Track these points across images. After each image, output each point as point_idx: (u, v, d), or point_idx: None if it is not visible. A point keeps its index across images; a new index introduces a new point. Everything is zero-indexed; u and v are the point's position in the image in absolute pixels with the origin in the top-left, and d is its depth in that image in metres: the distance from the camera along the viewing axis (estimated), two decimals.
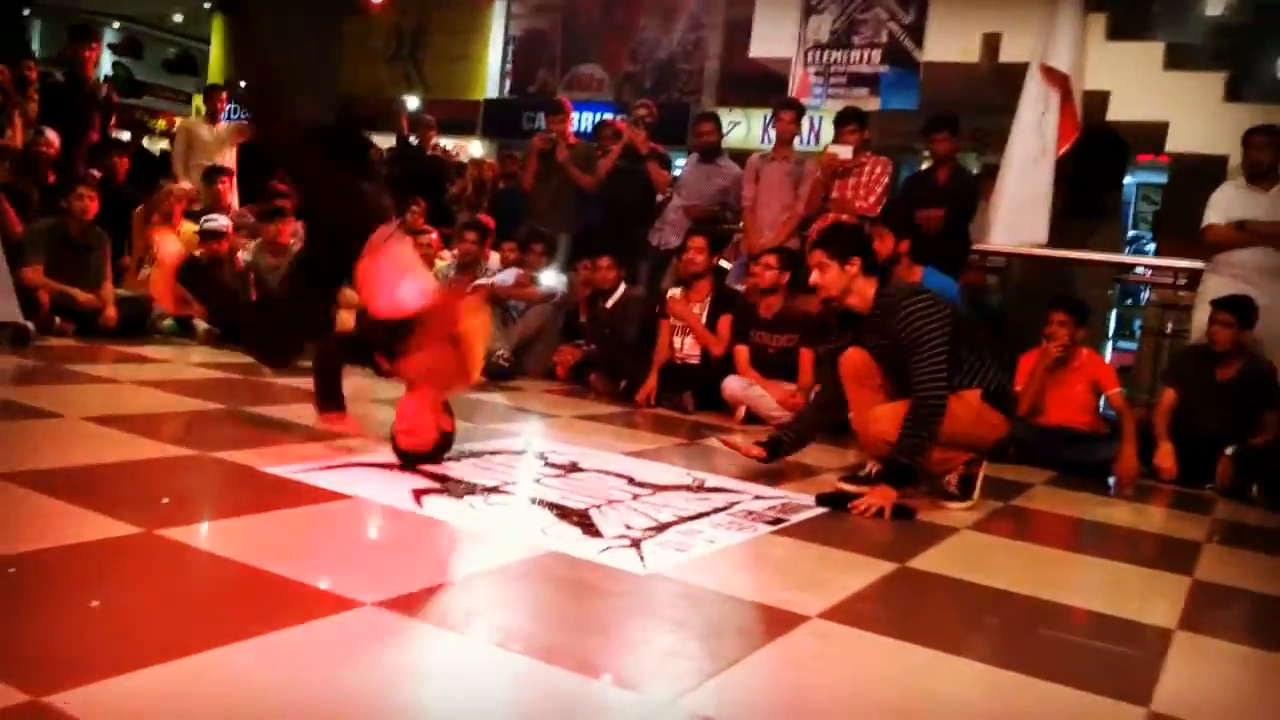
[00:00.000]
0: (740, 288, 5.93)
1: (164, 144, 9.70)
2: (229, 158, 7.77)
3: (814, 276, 3.63)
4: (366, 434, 3.53)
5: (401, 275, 3.43)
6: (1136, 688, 2.04)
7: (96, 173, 6.79)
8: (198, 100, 16.91)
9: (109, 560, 2.15)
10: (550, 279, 6.30)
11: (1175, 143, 6.68)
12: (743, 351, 5.28)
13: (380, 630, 1.93)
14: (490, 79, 15.80)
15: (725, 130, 7.57)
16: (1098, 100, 6.60)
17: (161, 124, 17.54)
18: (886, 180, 5.88)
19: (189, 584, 2.14)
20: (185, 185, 6.91)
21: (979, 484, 3.63)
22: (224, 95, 8.23)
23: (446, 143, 9.93)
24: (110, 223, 6.21)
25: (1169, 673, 2.17)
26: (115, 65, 18.62)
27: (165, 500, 2.65)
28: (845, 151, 5.82)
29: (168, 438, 3.37)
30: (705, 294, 5.60)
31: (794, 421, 4.02)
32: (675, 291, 5.70)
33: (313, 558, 2.34)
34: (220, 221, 6.31)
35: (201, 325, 6.04)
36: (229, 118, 8.34)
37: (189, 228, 6.49)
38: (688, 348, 5.60)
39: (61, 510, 2.41)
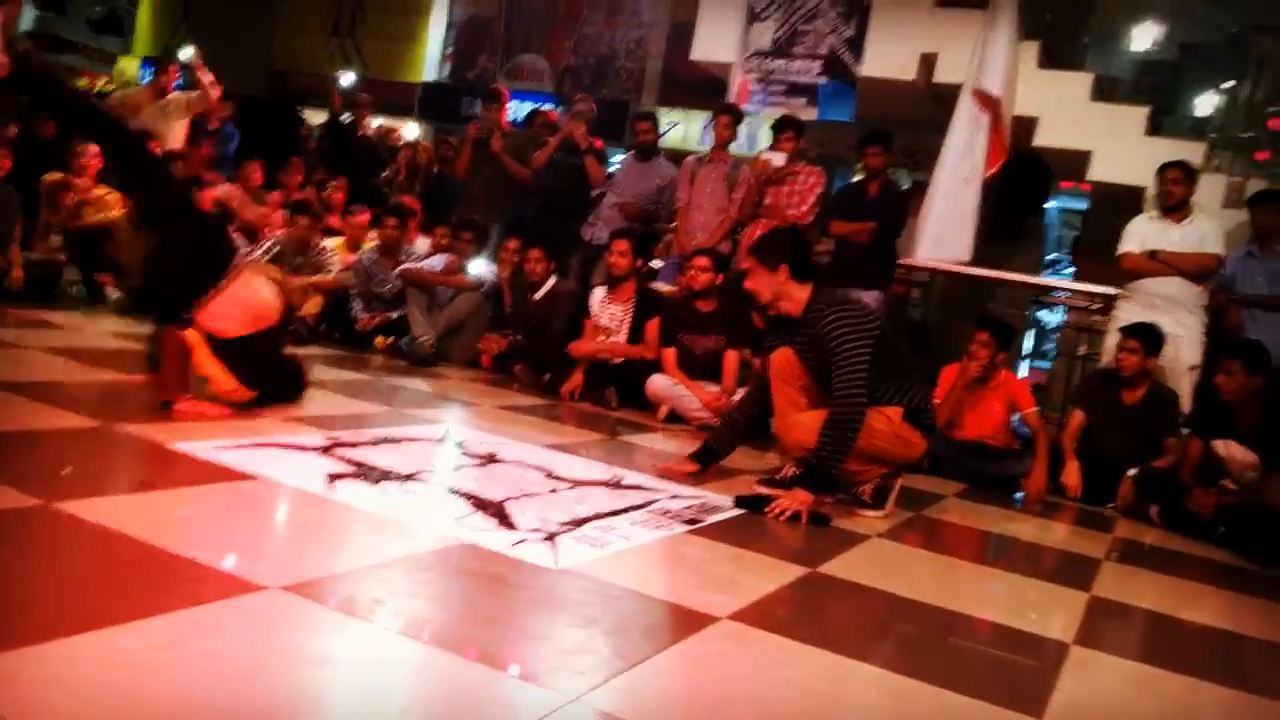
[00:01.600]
0: (671, 288, 5.94)
1: None
2: (178, 132, 7.47)
3: (747, 282, 3.66)
4: (224, 411, 3.46)
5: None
6: (1031, 699, 2.09)
7: (10, 130, 6.52)
8: (123, 62, 16.40)
9: (2, 532, 2.07)
10: (479, 267, 6.24)
11: (1097, 171, 6.90)
12: (670, 353, 5.29)
13: (283, 615, 1.88)
14: (429, 62, 15.59)
15: (663, 130, 7.60)
16: (1026, 125, 6.78)
17: (84, 83, 16.95)
18: (819, 190, 5.95)
19: (84, 560, 2.07)
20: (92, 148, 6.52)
21: (893, 496, 3.69)
22: (173, 68, 7.80)
23: (382, 124, 9.74)
24: (31, 178, 5.99)
25: (1063, 685, 2.23)
26: (37, 20, 17.94)
27: (67, 471, 2.55)
28: (778, 159, 5.87)
29: (74, 408, 3.25)
30: (629, 296, 5.60)
31: (722, 427, 4.03)
32: (599, 291, 5.69)
33: (217, 538, 2.28)
34: None
35: (113, 293, 5.86)
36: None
37: (106, 189, 6.28)
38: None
39: None
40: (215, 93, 7.45)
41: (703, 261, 5.34)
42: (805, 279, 3.60)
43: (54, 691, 1.47)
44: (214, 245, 3.72)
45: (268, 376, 3.62)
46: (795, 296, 3.59)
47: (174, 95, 7.70)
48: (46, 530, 2.14)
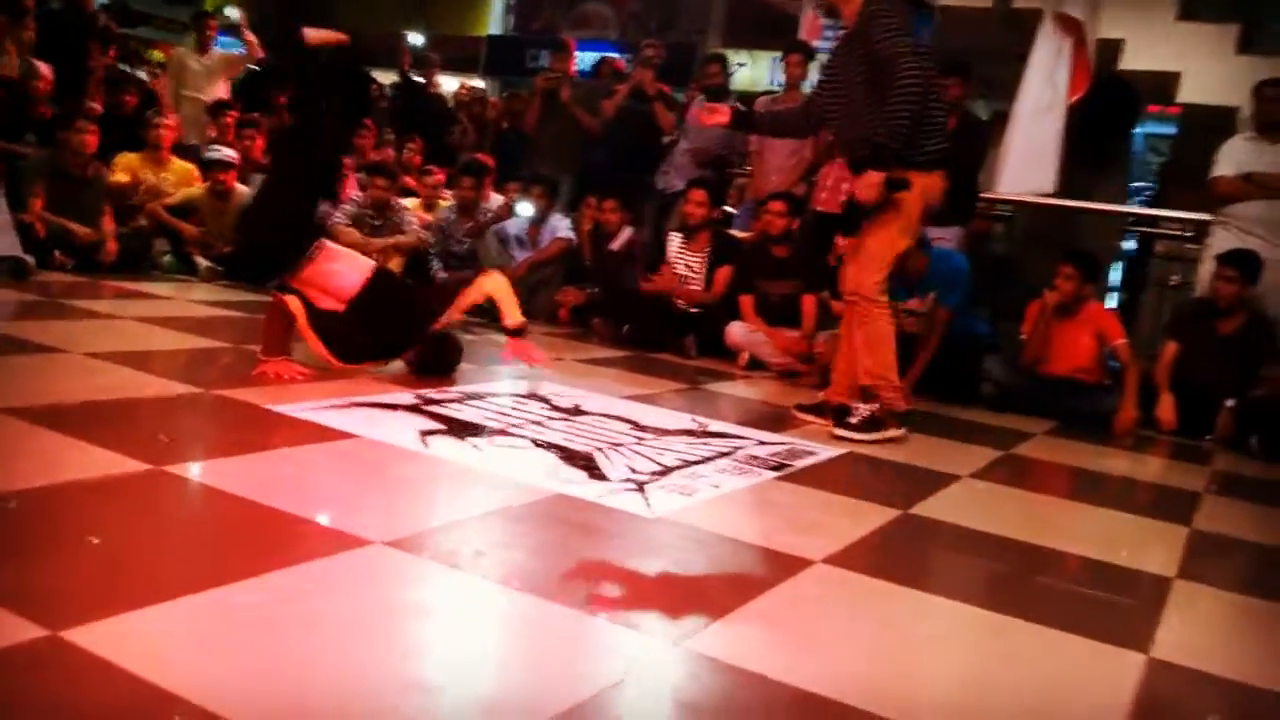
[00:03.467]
0: (747, 234, 5.89)
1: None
2: (222, 89, 7.63)
3: None
4: (308, 371, 3.54)
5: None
6: (1137, 635, 2.06)
7: (96, 105, 6.69)
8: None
9: (116, 496, 2.17)
10: (562, 226, 6.24)
11: (1186, 93, 6.61)
12: (747, 300, 5.26)
13: (389, 568, 1.95)
14: (494, 15, 15.53)
15: (732, 72, 7.47)
16: (1110, 49, 6.51)
17: (158, 55, 17.28)
18: None
19: (197, 521, 2.16)
20: (170, 120, 6.69)
21: (886, 434, 3.65)
22: (213, 23, 7.93)
23: (450, 85, 9.76)
24: (112, 150, 6.15)
25: (1168, 620, 2.19)
26: None
27: (168, 439, 2.65)
28: None
29: (171, 374, 3.37)
30: (705, 244, 5.56)
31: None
32: (675, 239, 5.66)
33: (320, 496, 2.36)
34: (225, 152, 6.25)
35: (203, 263, 6.02)
36: (220, 47, 8.17)
37: (181, 165, 6.43)
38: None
39: (66, 445, 2.42)
40: (258, 52, 7.61)
41: (778, 206, 5.27)
42: None
43: (179, 647, 1.54)
44: (306, 210, 3.81)
45: (365, 349, 3.67)
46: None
47: (217, 53, 7.83)
48: (158, 493, 2.23)
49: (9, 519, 1.95)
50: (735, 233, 6.08)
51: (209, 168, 6.21)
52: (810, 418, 3.90)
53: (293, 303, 3.53)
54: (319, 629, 1.67)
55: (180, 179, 6.37)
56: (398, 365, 3.79)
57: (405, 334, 3.72)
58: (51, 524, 1.96)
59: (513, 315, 3.84)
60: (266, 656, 1.54)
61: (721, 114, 4.06)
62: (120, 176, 6.17)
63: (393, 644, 1.65)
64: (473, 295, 3.84)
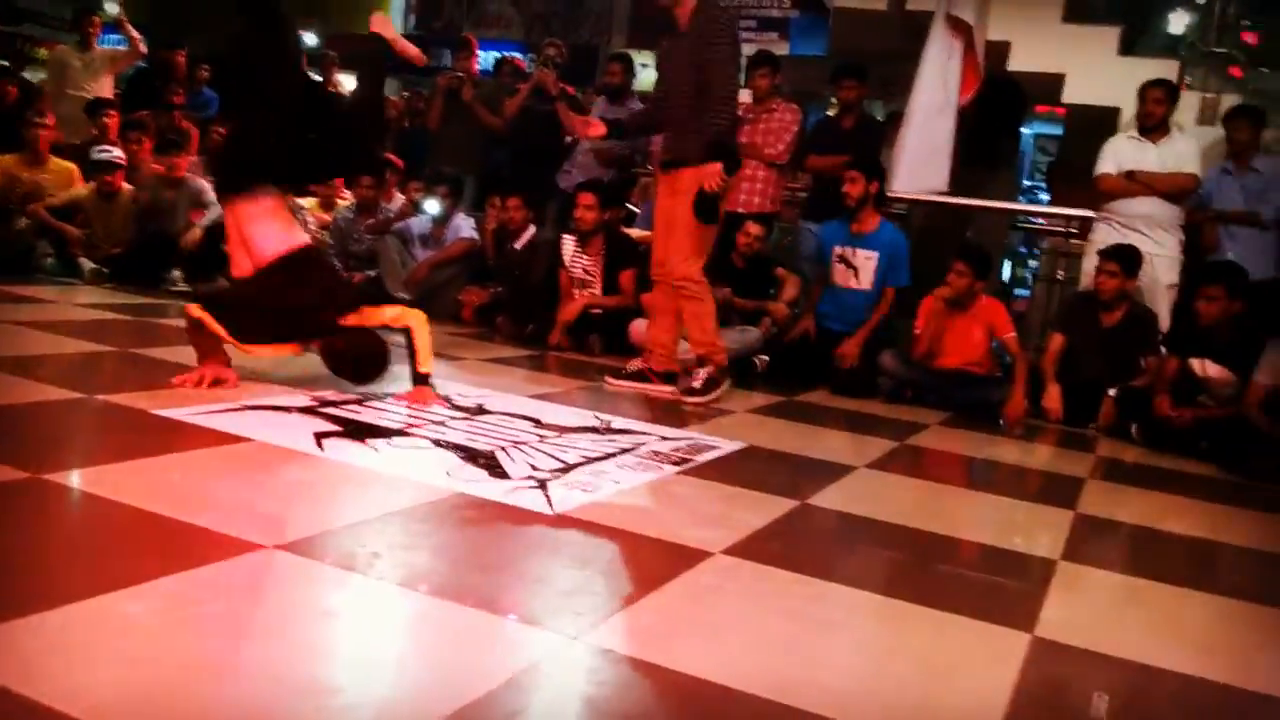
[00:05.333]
0: (645, 234, 5.90)
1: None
2: (105, 87, 7.36)
3: None
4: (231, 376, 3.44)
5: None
6: (1022, 614, 2.14)
7: None
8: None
9: None
10: (465, 225, 6.18)
11: (1071, 93, 6.87)
12: (650, 298, 5.27)
13: (282, 573, 1.91)
14: (394, 13, 15.29)
15: (635, 72, 7.48)
16: (999, 50, 6.72)
17: (43, 53, 16.56)
18: (796, 128, 5.90)
19: (79, 529, 2.08)
20: (50, 119, 6.40)
21: (720, 389, 4.24)
22: (96, 20, 7.62)
23: (349, 84, 9.58)
24: None
25: (1052, 600, 2.28)
26: None
27: (52, 444, 2.55)
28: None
29: (55, 380, 3.23)
30: (600, 247, 5.57)
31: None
32: (569, 244, 5.63)
33: (211, 502, 2.29)
34: (114, 153, 6.04)
35: (88, 265, 5.80)
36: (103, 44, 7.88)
37: (60, 164, 6.19)
38: (591, 296, 5.57)
39: None
40: (142, 49, 7.46)
41: None
42: None
43: (59, 659, 1.48)
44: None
45: (263, 326, 3.42)
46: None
47: (101, 49, 7.57)
48: (39, 501, 2.14)
49: None
50: (634, 231, 6.10)
51: (96, 169, 5.99)
52: (628, 385, 4.37)
53: (194, 309, 3.38)
54: (210, 635, 1.62)
55: (59, 179, 6.13)
56: (300, 367, 3.69)
57: (307, 320, 3.47)
58: None
59: (425, 361, 3.59)
60: (154, 665, 1.50)
61: (596, 126, 4.62)
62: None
63: (288, 648, 1.62)
64: (389, 316, 3.61)
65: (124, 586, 1.71)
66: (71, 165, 6.21)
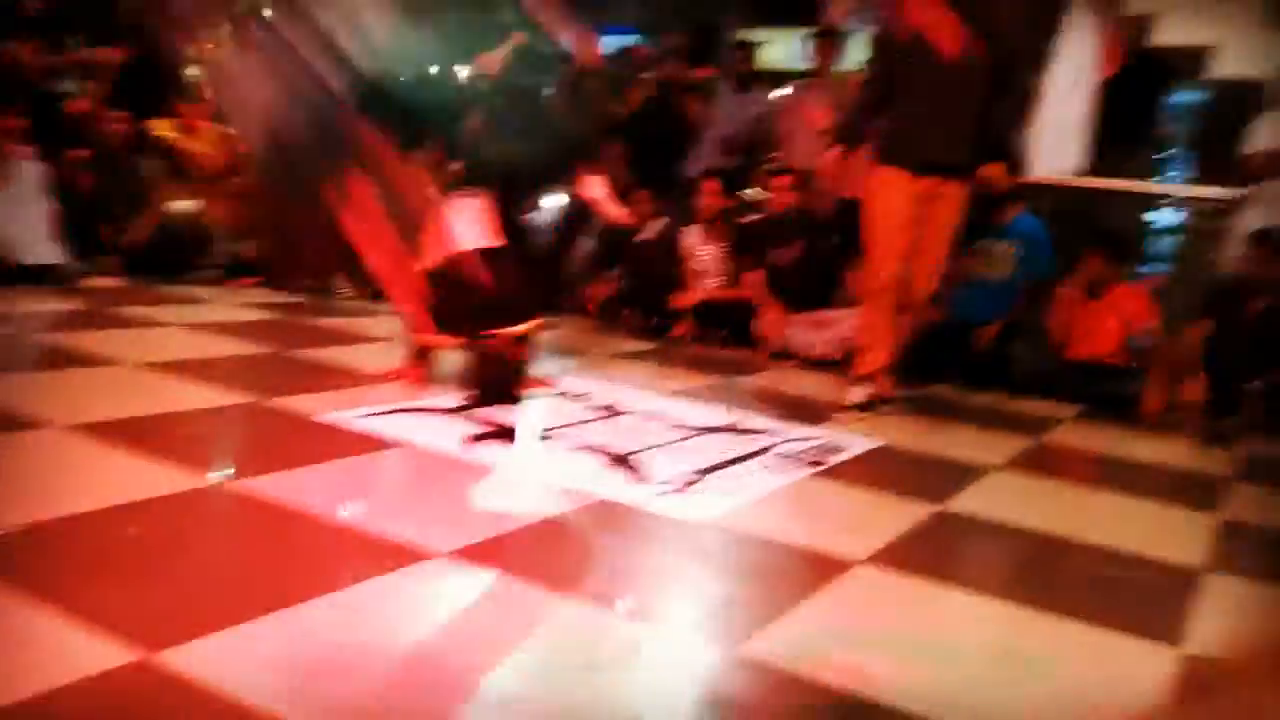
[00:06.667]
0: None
1: None
2: None
3: None
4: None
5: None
6: (1169, 628, 2.13)
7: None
8: None
9: (182, 515, 2.26)
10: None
11: (1219, 67, 6.56)
12: (757, 278, 5.35)
13: (450, 580, 2.05)
14: None
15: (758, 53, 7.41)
16: (1141, 24, 6.45)
17: None
18: None
19: (267, 538, 2.24)
20: None
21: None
22: None
23: None
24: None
25: (1199, 613, 2.26)
26: None
27: (227, 451, 2.76)
28: None
29: (223, 384, 3.46)
30: (723, 235, 5.60)
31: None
32: (693, 233, 5.65)
33: (381, 508, 2.46)
34: None
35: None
36: None
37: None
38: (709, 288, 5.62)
39: (127, 464, 2.53)
40: None
41: (785, 180, 5.42)
42: None
43: (251, 668, 1.62)
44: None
45: (463, 316, 3.50)
46: None
47: None
48: (222, 510, 2.34)
49: (82, 540, 2.06)
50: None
51: None
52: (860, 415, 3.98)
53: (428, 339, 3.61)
54: (399, 641, 1.77)
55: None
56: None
57: (511, 307, 3.54)
58: (121, 545, 2.06)
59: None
60: (339, 674, 1.64)
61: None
62: None
63: (456, 653, 1.75)
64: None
65: (321, 593, 1.87)
66: None
